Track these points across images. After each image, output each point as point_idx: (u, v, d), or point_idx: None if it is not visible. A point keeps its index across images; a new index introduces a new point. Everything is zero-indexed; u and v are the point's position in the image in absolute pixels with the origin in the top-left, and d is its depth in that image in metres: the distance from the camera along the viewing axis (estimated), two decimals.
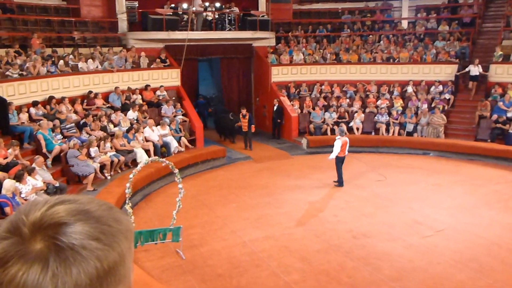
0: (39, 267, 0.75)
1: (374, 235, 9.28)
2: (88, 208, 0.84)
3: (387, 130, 17.71)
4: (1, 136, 11.31)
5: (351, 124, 18.00)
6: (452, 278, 7.50)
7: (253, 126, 16.86)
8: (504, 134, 16.07)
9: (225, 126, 18.02)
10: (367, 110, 18.44)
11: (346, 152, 12.45)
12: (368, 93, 19.29)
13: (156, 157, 10.72)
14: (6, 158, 10.35)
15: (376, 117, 18.03)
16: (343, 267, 7.98)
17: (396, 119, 17.78)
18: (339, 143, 12.22)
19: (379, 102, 18.70)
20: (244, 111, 16.88)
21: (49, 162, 11.86)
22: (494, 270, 7.78)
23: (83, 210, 0.83)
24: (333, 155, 12.34)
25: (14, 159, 10.52)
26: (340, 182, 12.60)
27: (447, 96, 18.41)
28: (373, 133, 17.93)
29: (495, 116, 16.47)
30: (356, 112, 18.23)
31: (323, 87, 19.89)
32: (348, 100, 19.18)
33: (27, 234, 0.78)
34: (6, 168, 10.07)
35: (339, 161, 12.42)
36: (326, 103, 18.95)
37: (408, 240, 9.01)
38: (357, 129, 17.90)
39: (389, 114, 18.01)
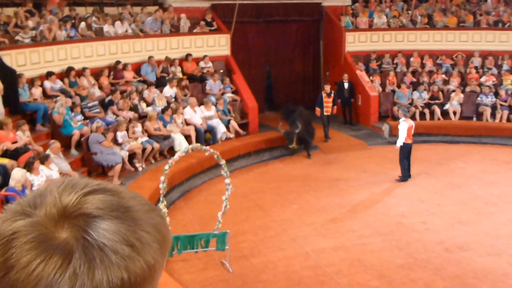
0: (60, 259, 0.77)
1: (473, 248, 9.17)
2: (130, 205, 0.87)
3: (493, 115, 17.16)
4: (9, 115, 11.49)
5: (447, 106, 17.59)
6: None
7: (335, 107, 16.88)
8: None
9: (305, 130, 14.90)
10: (468, 89, 17.95)
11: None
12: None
13: (199, 144, 10.82)
14: (15, 142, 10.40)
15: (479, 98, 17.54)
16: (432, 287, 7.88)
17: (505, 101, 17.22)
18: (405, 126, 12.48)
19: (483, 79, 18.22)
20: (328, 88, 16.61)
21: (73, 151, 12.05)
22: None
23: (123, 206, 0.86)
24: (399, 142, 12.57)
25: (27, 143, 10.64)
26: (404, 176, 12.82)
27: None
28: (474, 118, 17.52)
29: None
30: (454, 91, 17.79)
31: (411, 59, 19.51)
32: (443, 76, 18.75)
33: (54, 217, 0.81)
34: (15, 154, 10.14)
35: (405, 149, 12.62)
36: (415, 80, 18.61)
37: None
38: (454, 113, 17.45)
39: (496, 94, 17.49)
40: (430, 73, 18.91)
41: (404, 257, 8.90)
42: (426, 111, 17.50)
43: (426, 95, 17.88)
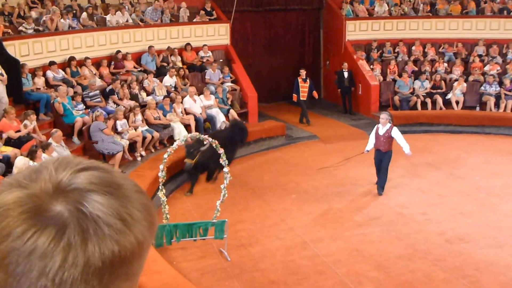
0: (54, 230, 0.80)
1: (474, 240, 9.13)
2: (122, 183, 0.90)
3: (497, 105, 17.09)
4: (13, 104, 11.75)
5: (449, 96, 17.52)
6: None
7: (315, 92, 16.92)
8: None
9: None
10: (471, 78, 17.87)
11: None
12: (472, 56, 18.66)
13: (198, 133, 10.83)
14: (19, 131, 10.66)
15: (482, 88, 17.45)
16: (432, 279, 7.89)
17: (510, 91, 17.13)
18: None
19: (487, 68, 18.11)
20: (304, 74, 16.84)
21: (75, 139, 12.31)
22: None
23: (116, 183, 0.89)
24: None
25: (30, 132, 10.86)
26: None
27: None
28: (478, 108, 17.44)
29: None
30: (456, 80, 17.70)
31: (413, 47, 19.43)
32: (446, 64, 18.66)
33: (49, 191, 0.84)
34: (18, 143, 10.40)
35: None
36: (416, 69, 18.53)
37: None
38: (457, 102, 17.37)
39: (500, 83, 17.37)
40: (432, 62, 18.82)
41: (403, 248, 8.89)
42: (428, 100, 17.46)
43: (428, 84, 17.81)
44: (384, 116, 11.36)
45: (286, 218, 10.10)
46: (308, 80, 16.87)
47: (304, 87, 16.79)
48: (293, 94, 16.95)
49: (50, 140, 10.66)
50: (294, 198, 11.14)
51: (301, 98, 16.84)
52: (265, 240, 9.19)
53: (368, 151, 11.53)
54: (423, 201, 10.94)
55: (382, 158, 11.18)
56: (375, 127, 11.39)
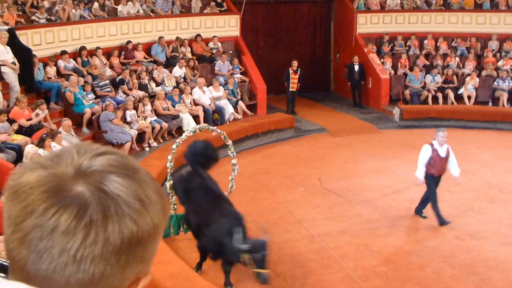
0: (75, 208, 0.82)
1: (485, 237, 9.05)
2: (138, 167, 0.93)
3: (510, 101, 16.93)
4: (24, 93, 11.85)
5: (461, 90, 17.37)
6: None
7: (298, 84, 17.15)
8: None
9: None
10: (484, 73, 17.72)
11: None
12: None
13: (206, 124, 10.83)
14: (30, 119, 10.79)
15: (495, 83, 17.29)
16: (440, 275, 7.83)
17: None
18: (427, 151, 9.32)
19: (500, 63, 17.97)
20: (295, 65, 16.96)
21: (85, 128, 12.45)
22: None
23: (133, 167, 0.91)
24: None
25: (41, 121, 10.98)
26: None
27: None
28: (490, 103, 17.31)
29: None
30: (469, 75, 17.56)
31: (425, 41, 19.28)
32: (458, 59, 18.52)
33: (71, 173, 0.86)
34: (29, 132, 10.51)
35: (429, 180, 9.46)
36: (428, 63, 18.39)
37: None
38: (469, 97, 17.22)
39: None
40: (444, 56, 18.64)
41: (412, 243, 8.86)
42: (439, 95, 17.30)
43: (439, 79, 17.64)
44: (444, 134, 9.27)
45: (294, 210, 10.03)
46: (298, 72, 17.01)
47: (294, 78, 17.00)
48: (285, 82, 17.29)
49: (60, 129, 10.76)
50: (302, 191, 11.07)
51: (290, 89, 17.10)
52: (272, 232, 9.08)
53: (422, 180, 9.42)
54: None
55: (438, 183, 9.40)
56: (428, 148, 9.23)
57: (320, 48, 21.07)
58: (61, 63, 13.59)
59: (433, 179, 9.26)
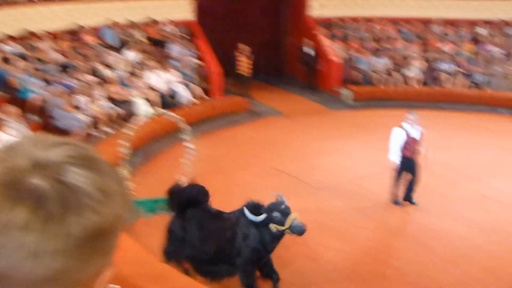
0: (32, 201, 0.78)
1: (430, 210, 9.44)
2: (97, 158, 0.89)
3: (452, 82, 17.43)
4: None
5: (408, 73, 17.74)
6: None
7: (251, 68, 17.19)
8: None
9: None
10: (428, 55, 18.16)
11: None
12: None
13: (161, 109, 10.74)
14: None
15: (438, 65, 17.73)
16: (389, 246, 8.24)
17: (464, 68, 17.45)
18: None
19: (443, 46, 18.41)
20: (242, 48, 16.93)
21: (32, 115, 11.78)
22: None
23: (92, 157, 0.88)
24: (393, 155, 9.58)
25: None
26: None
27: None
28: (434, 85, 17.73)
29: None
30: (414, 58, 17.92)
31: (374, 25, 19.56)
32: (404, 42, 18.87)
33: (27, 165, 0.82)
34: None
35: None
36: (376, 46, 18.69)
37: (471, 216, 9.23)
38: (415, 79, 17.62)
39: (455, 61, 17.68)
40: (392, 39, 18.98)
41: (363, 219, 9.11)
42: (387, 77, 17.65)
43: (387, 61, 17.98)
44: (414, 116, 9.46)
45: (250, 191, 10.05)
46: (249, 55, 17.02)
47: (244, 62, 16.95)
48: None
49: (5, 116, 10.23)
50: (258, 173, 11.17)
51: (242, 73, 17.12)
52: None
53: (397, 163, 9.48)
54: (381, 174, 11.05)
55: (413, 166, 9.47)
56: (399, 131, 9.36)
57: (273, 31, 21.01)
58: (6, 47, 13.04)
59: (406, 162, 9.35)
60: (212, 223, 6.64)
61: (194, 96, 15.29)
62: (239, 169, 11.39)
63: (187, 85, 15.21)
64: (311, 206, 9.50)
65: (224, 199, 9.74)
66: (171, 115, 9.01)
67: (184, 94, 14.93)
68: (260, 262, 6.51)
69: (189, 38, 17.24)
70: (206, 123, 14.28)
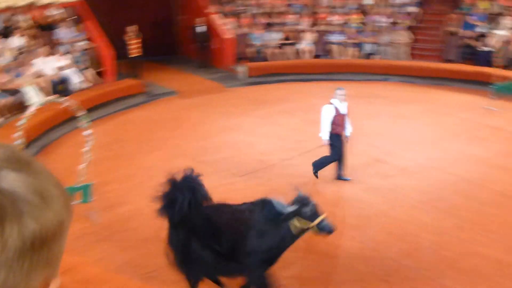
0: None
1: (327, 178, 9.69)
2: (30, 160, 0.82)
3: (342, 52, 18.02)
4: None
5: (300, 46, 18.14)
6: (415, 221, 8.11)
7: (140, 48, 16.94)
8: (475, 53, 16.82)
9: None
10: (318, 28, 18.61)
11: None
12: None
13: (53, 96, 10.35)
14: None
15: (329, 37, 18.22)
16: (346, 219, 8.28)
17: (353, 39, 18.07)
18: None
19: (332, 18, 18.88)
20: (130, 30, 16.63)
21: None
22: (461, 209, 8.48)
23: (24, 159, 0.81)
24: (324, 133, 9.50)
25: None
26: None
27: (412, 9, 18.84)
28: (325, 56, 18.29)
29: (464, 32, 17.16)
30: (305, 31, 18.30)
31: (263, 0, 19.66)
32: (295, 16, 19.19)
33: None
34: None
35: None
36: (268, 21, 18.90)
37: (368, 182, 9.59)
38: (307, 52, 18.06)
39: (344, 32, 18.27)
40: (282, 13, 19.27)
41: (267, 193, 9.13)
42: (280, 51, 17.98)
43: (279, 36, 18.28)
44: (342, 92, 9.37)
45: (154, 175, 9.94)
46: (133, 36, 16.70)
47: (134, 44, 16.61)
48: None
49: None
50: (161, 155, 11.10)
51: (131, 55, 16.75)
52: (133, 199, 9.08)
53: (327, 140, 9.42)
54: (282, 148, 11.37)
55: (342, 143, 9.47)
56: (330, 107, 9.30)
57: (163, 10, 20.69)
58: None
59: (339, 138, 9.36)
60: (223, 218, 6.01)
61: (87, 80, 14.90)
62: (141, 152, 11.25)
63: (78, 70, 14.72)
64: (217, 183, 9.49)
65: (128, 184, 9.65)
66: (63, 101, 8.69)
67: (75, 79, 14.50)
68: (274, 262, 5.86)
69: (77, 20, 16.57)
70: (101, 108, 13.97)
